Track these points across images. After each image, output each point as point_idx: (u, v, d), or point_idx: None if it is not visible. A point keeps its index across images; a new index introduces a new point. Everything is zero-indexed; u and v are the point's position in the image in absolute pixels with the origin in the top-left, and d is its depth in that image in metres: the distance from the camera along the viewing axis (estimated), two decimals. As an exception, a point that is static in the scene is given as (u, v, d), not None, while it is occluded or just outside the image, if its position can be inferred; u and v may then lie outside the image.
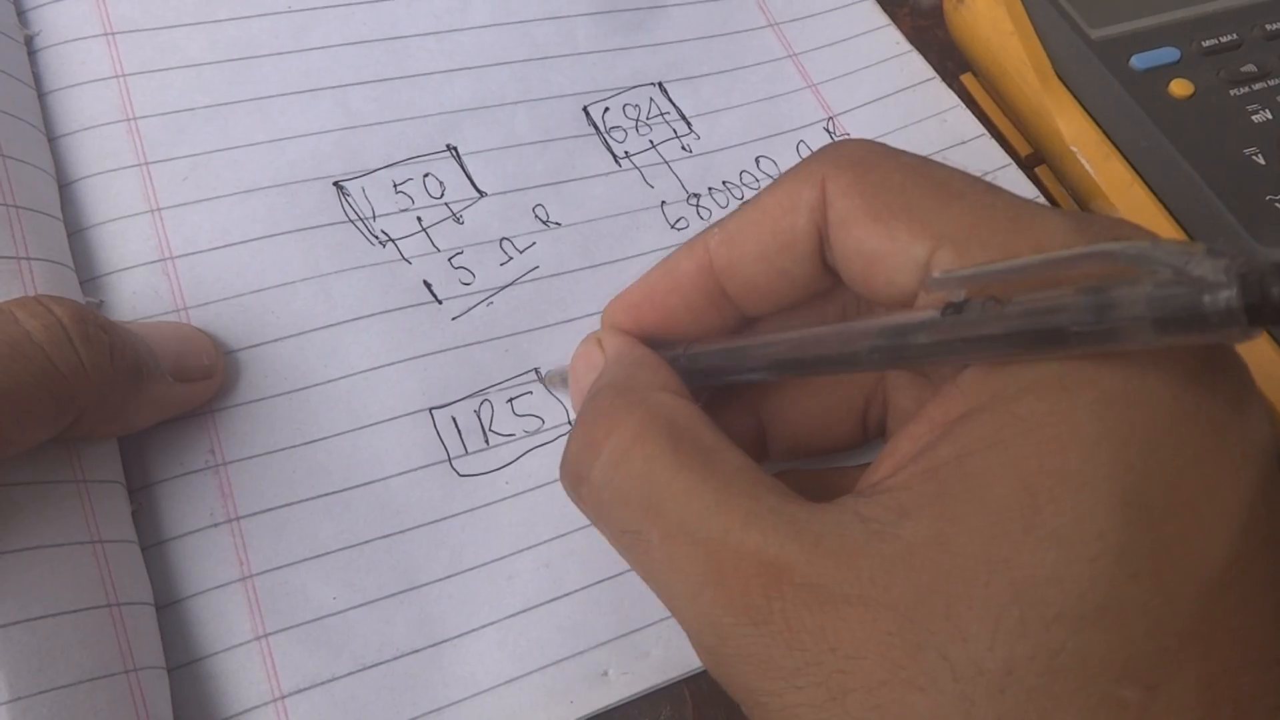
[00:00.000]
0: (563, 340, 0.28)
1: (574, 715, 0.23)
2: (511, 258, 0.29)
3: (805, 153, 0.33)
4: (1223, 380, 0.16)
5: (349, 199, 0.28)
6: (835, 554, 0.16)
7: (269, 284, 0.26)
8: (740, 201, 0.32)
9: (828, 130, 0.33)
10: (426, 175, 0.29)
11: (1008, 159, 0.33)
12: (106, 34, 0.28)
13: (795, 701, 0.16)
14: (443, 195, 0.29)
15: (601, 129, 0.32)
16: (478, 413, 0.26)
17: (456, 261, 0.28)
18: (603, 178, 0.31)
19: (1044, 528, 0.15)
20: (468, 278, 0.28)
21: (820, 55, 0.35)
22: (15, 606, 0.19)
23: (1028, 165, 0.34)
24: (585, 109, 0.32)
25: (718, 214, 0.31)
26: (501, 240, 0.29)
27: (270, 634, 0.23)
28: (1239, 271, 0.13)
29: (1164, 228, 0.31)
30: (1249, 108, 0.32)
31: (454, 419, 0.26)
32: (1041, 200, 0.32)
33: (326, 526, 0.24)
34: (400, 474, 0.25)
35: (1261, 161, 0.31)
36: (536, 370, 0.27)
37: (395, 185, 0.29)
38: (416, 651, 0.23)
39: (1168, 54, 0.33)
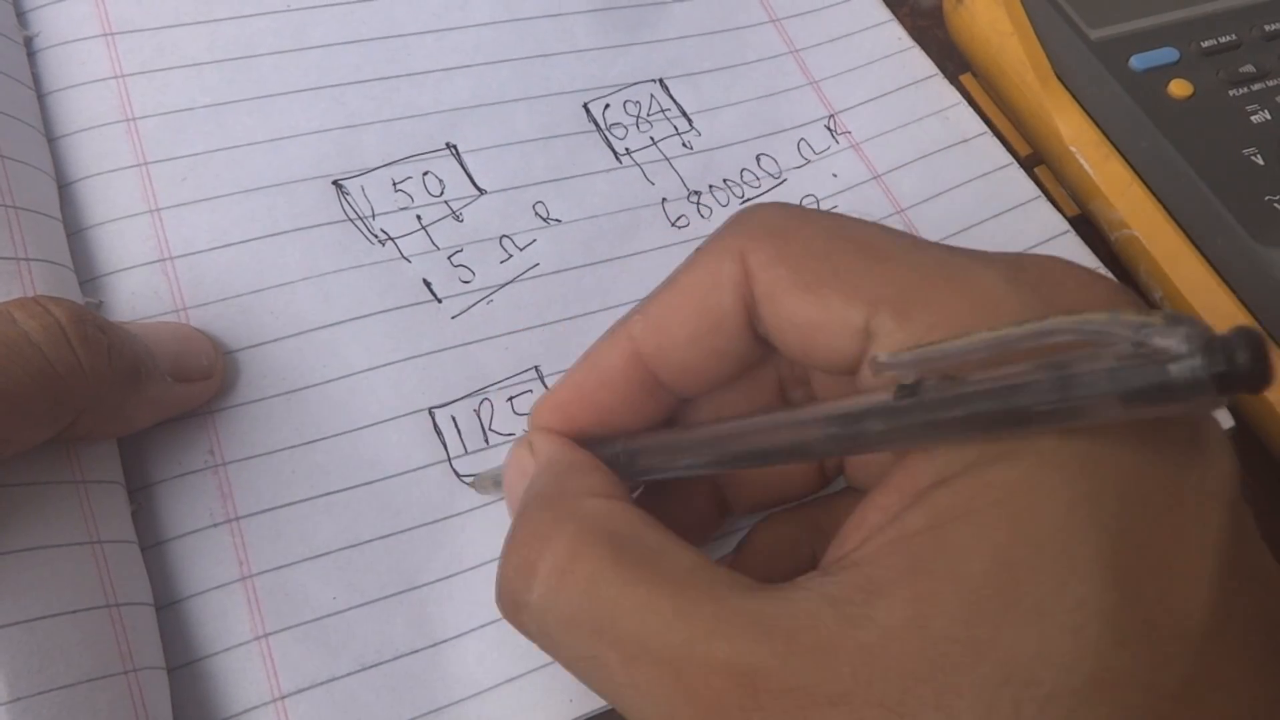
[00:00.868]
0: (563, 338, 0.28)
1: (574, 715, 0.23)
2: (511, 255, 0.29)
3: (806, 150, 0.33)
4: (1174, 419, 0.16)
5: (348, 198, 0.28)
6: (810, 651, 0.15)
7: (268, 284, 0.26)
8: (741, 200, 0.32)
9: (829, 128, 0.33)
10: (426, 173, 0.29)
11: (1009, 157, 0.33)
12: (106, 34, 0.28)
13: None
14: (442, 193, 0.29)
15: (602, 126, 0.32)
16: (477, 412, 0.26)
17: (456, 260, 0.28)
18: (603, 175, 0.31)
19: (1024, 602, 0.14)
20: (467, 276, 0.28)
21: (822, 51, 0.35)
22: (15, 607, 0.19)
23: (1027, 166, 0.34)
24: (586, 106, 0.32)
25: (718, 211, 0.31)
26: (501, 238, 0.29)
27: (270, 634, 0.23)
28: (1202, 340, 0.13)
29: (1164, 227, 0.31)
30: (1248, 108, 0.32)
31: (454, 418, 0.26)
32: (1040, 199, 0.32)
33: (326, 526, 0.24)
34: (400, 474, 0.25)
35: (1260, 162, 0.31)
36: (537, 369, 0.27)
37: (395, 184, 0.29)
38: (416, 651, 0.23)
39: (1167, 54, 0.33)
